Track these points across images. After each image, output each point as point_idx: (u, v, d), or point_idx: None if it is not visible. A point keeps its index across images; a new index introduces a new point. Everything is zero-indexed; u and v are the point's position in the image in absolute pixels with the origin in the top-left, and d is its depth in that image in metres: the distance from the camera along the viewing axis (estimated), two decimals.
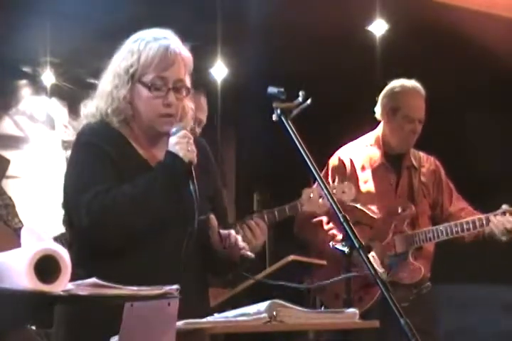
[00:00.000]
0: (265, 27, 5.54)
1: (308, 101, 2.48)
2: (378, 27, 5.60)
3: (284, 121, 2.47)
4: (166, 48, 2.62)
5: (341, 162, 4.07)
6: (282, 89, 2.51)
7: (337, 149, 4.22)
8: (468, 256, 5.39)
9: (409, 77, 4.19)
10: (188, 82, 2.68)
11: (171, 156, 2.55)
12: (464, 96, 6.08)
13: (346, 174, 4.04)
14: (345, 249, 3.49)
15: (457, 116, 6.14)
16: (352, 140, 4.26)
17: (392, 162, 4.12)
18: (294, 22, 5.66)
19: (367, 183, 4.06)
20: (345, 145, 4.19)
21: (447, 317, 5.13)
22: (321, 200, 3.61)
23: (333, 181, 3.99)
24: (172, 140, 2.57)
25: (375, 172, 4.08)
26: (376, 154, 4.11)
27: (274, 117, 2.49)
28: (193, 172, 2.54)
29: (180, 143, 2.56)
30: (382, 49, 5.62)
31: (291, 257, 4.02)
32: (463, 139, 6.25)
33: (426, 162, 4.18)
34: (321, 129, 5.85)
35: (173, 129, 2.60)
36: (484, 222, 3.88)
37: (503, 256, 5.32)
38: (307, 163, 2.43)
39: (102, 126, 2.66)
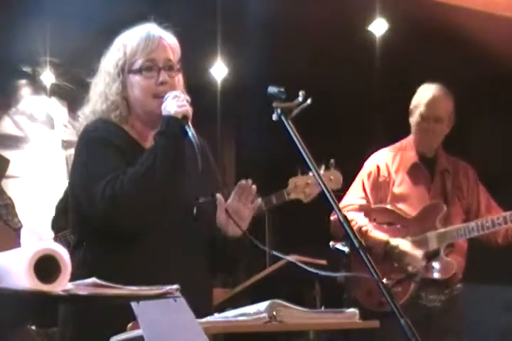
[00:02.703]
0: (265, 27, 5.53)
1: (309, 101, 2.48)
2: (378, 27, 5.59)
3: (284, 121, 2.47)
4: (147, 33, 2.70)
5: (376, 166, 4.18)
6: (282, 89, 2.51)
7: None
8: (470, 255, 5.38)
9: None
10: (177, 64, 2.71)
11: (164, 119, 2.59)
12: (464, 96, 6.07)
13: (378, 178, 4.15)
14: (345, 249, 3.49)
15: (457, 116, 6.13)
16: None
17: (426, 164, 4.18)
18: (294, 22, 5.66)
19: (401, 185, 4.14)
20: (381, 150, 4.29)
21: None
22: (307, 189, 3.64)
23: (369, 186, 4.13)
24: (163, 105, 2.61)
25: (409, 172, 4.16)
26: (410, 156, 4.20)
27: (274, 117, 2.49)
28: (189, 124, 2.57)
29: (169, 103, 2.60)
30: (382, 49, 5.62)
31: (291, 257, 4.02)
32: (463, 139, 6.24)
33: (460, 167, 4.22)
34: (321, 129, 5.85)
35: (165, 97, 2.62)
36: None
37: (504, 256, 5.32)
38: (307, 163, 2.44)
39: (101, 122, 2.70)
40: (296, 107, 2.49)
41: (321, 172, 3.71)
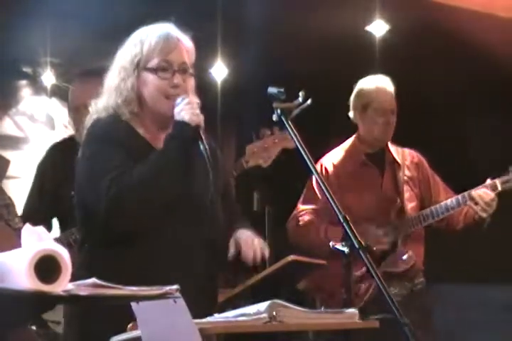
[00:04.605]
0: (265, 27, 5.54)
1: (309, 102, 2.49)
2: (378, 28, 5.59)
3: (284, 121, 2.47)
4: (166, 34, 2.69)
5: (324, 169, 4.13)
6: (282, 89, 2.51)
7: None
8: (468, 255, 5.39)
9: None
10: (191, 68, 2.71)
11: (178, 124, 2.59)
12: (463, 97, 6.08)
13: (329, 180, 4.06)
14: (345, 249, 3.49)
15: (457, 116, 6.13)
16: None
17: (374, 159, 4.16)
18: (294, 22, 5.66)
19: (352, 184, 4.09)
20: (328, 153, 4.24)
21: (446, 316, 5.13)
22: (264, 153, 3.65)
23: (318, 190, 4.06)
24: (177, 109, 2.61)
25: (358, 171, 4.13)
26: (357, 155, 4.16)
27: (274, 117, 2.49)
28: (202, 134, 2.57)
29: (184, 109, 2.59)
30: (381, 49, 5.62)
31: (291, 257, 4.01)
32: (462, 139, 6.25)
33: (409, 156, 4.21)
34: (320, 129, 5.85)
35: (177, 100, 2.62)
36: (467, 197, 3.91)
37: (504, 256, 5.32)
38: (307, 163, 2.44)
39: (111, 119, 2.69)
40: (296, 108, 2.49)
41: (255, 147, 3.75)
